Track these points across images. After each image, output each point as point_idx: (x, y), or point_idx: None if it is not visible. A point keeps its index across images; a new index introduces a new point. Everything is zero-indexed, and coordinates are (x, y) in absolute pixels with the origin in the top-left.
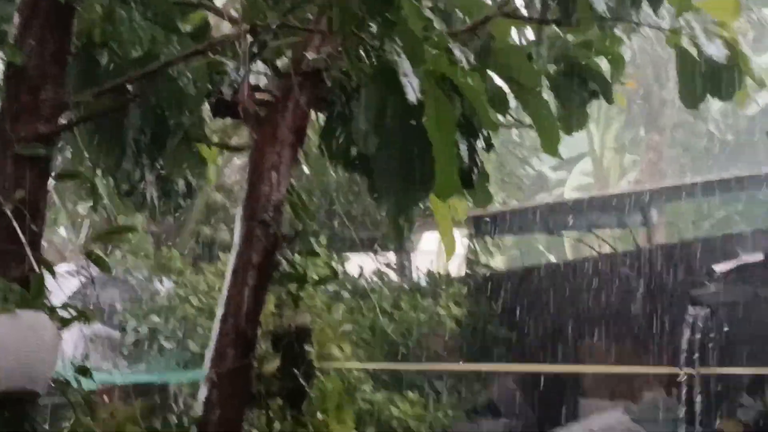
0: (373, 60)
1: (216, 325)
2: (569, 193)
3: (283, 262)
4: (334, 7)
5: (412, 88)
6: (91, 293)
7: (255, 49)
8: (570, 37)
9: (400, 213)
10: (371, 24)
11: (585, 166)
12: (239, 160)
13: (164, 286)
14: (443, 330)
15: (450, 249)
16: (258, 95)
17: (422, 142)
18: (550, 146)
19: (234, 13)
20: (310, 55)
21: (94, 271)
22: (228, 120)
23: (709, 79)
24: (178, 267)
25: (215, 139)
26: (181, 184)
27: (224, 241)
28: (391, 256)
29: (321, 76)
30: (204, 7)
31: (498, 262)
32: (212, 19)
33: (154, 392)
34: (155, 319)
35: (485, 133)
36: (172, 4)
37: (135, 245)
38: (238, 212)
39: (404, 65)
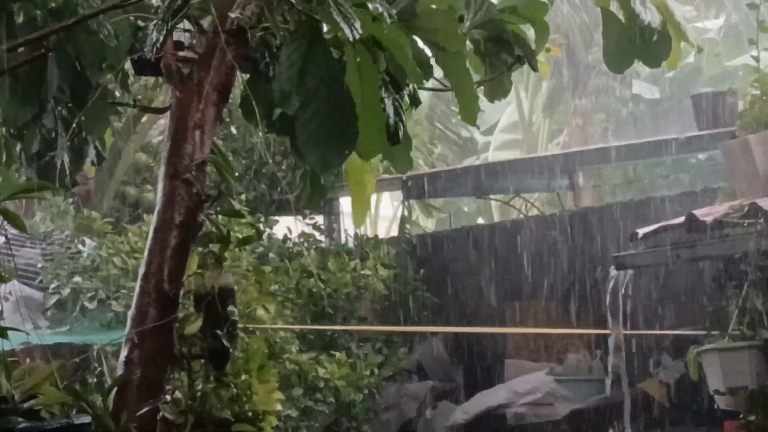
0: (296, 17)
1: (138, 285)
2: (497, 157)
3: (207, 221)
4: None
5: (350, 28)
6: (10, 252)
7: (178, 3)
8: (495, 2)
9: (323, 171)
10: None
11: (514, 130)
12: (164, 120)
13: (86, 247)
14: (370, 291)
15: (360, 213)
16: (181, 53)
17: (345, 100)
18: (469, 115)
19: None
20: (234, 13)
21: (13, 231)
22: (151, 79)
23: (638, 44)
24: (100, 228)
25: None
26: (91, 150)
27: (149, 202)
28: (320, 219)
29: (245, 34)
30: None
31: (427, 225)
32: None
33: (76, 353)
34: (77, 279)
35: (412, 88)
36: None
37: (55, 206)
38: (160, 171)
39: (336, 6)
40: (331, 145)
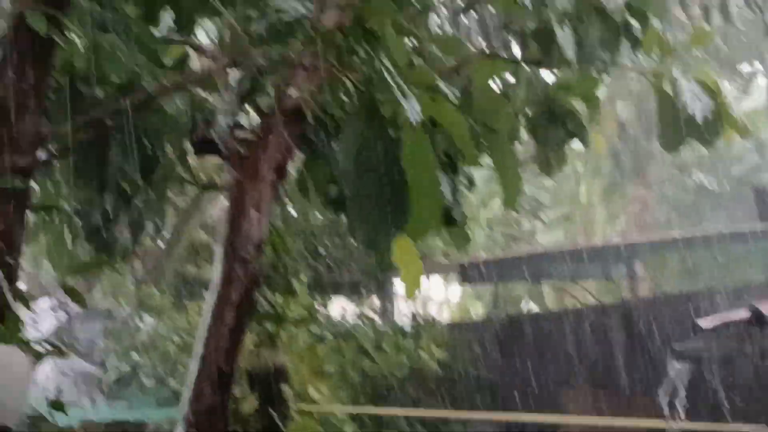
0: (354, 97)
1: (194, 364)
2: (554, 243)
3: (262, 301)
4: (317, 39)
5: (413, 110)
6: (71, 328)
7: (242, 87)
8: (548, 79)
9: (371, 249)
10: (355, 55)
11: (572, 218)
12: (225, 200)
13: (145, 323)
14: (425, 373)
15: (412, 285)
16: (240, 134)
17: (399, 179)
18: (511, 198)
19: (215, 51)
20: (292, 92)
21: (75, 307)
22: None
23: (690, 125)
24: (159, 305)
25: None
26: (149, 225)
27: (208, 280)
28: (375, 301)
29: (302, 114)
30: (186, 43)
31: (479, 309)
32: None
33: (132, 429)
34: (136, 356)
35: (468, 171)
36: (152, 35)
37: (116, 283)
38: (217, 250)
39: (398, 87)
40: (380, 223)
